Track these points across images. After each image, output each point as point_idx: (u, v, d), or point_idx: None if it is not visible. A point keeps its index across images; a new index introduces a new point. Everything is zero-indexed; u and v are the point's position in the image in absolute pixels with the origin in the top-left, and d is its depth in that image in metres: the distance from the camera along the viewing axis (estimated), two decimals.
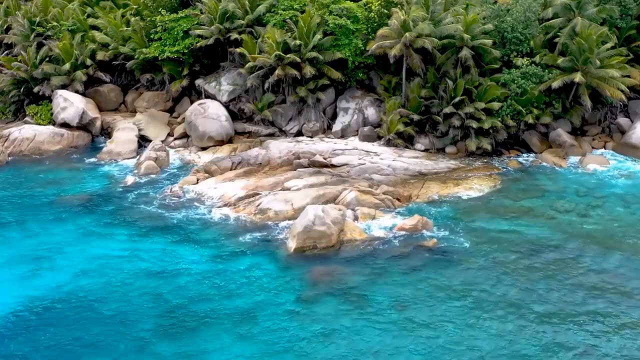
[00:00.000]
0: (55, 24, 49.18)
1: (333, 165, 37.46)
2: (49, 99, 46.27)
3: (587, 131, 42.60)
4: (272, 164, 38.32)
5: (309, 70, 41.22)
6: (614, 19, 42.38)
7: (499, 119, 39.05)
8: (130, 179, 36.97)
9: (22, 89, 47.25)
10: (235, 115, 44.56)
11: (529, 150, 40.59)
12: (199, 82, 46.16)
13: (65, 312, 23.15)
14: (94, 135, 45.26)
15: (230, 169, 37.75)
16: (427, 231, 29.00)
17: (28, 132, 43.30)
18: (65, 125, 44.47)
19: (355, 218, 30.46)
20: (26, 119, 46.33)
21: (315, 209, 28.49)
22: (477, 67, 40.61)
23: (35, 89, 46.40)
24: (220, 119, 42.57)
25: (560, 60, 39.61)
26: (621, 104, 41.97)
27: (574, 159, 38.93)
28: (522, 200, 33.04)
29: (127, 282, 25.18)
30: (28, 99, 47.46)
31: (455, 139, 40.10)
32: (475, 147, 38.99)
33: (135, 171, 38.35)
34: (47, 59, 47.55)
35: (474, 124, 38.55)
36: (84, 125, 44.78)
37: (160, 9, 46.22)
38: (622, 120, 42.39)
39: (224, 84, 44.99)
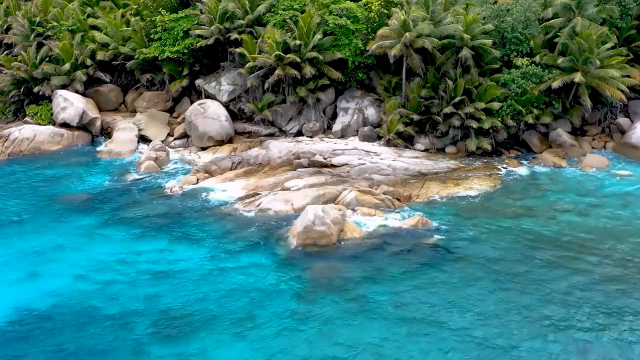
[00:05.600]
0: (55, 24, 49.23)
1: (333, 165, 37.47)
2: (49, 99, 46.31)
3: (587, 131, 42.60)
4: (272, 164, 38.33)
5: (309, 70, 41.24)
6: (614, 19, 42.37)
7: (499, 119, 39.06)
8: (130, 179, 37.01)
9: (22, 89, 47.28)
10: (235, 115, 44.58)
11: (529, 150, 40.58)
12: (199, 82, 46.18)
13: (64, 313, 23.06)
14: (94, 135, 45.29)
15: (230, 169, 37.77)
16: (427, 231, 28.99)
17: (28, 132, 43.32)
18: (65, 125, 44.51)
19: (355, 218, 30.45)
20: (26, 119, 46.36)
21: (315, 209, 28.47)
22: (477, 67, 40.61)
23: (35, 89, 46.43)
24: (220, 119, 42.58)
25: (560, 60, 39.61)
26: (621, 104, 41.96)
27: (574, 159, 38.93)
28: (522, 200, 33.02)
29: (126, 283, 25.14)
30: (28, 99, 47.50)
31: (455, 139, 40.11)
32: (475, 147, 38.99)
33: (135, 171, 38.36)
34: (47, 59, 47.60)
35: (474, 124, 38.55)
36: (84, 125, 44.81)
37: (160, 9, 46.26)
38: (622, 120, 42.38)
39: (224, 84, 45.00)
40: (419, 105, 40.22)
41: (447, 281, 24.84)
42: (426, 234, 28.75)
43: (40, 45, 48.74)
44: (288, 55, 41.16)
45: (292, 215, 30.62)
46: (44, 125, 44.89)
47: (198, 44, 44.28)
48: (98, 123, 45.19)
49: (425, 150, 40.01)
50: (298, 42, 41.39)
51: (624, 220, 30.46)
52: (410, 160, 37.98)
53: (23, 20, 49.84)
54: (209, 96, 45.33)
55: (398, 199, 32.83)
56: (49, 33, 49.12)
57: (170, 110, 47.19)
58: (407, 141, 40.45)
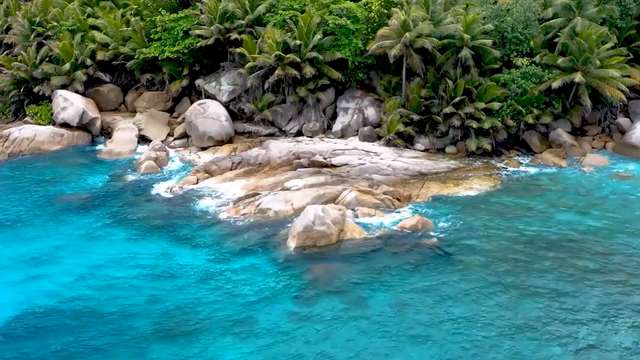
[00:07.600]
0: (55, 24, 49.24)
1: (333, 165, 37.47)
2: (49, 99, 46.31)
3: (587, 131, 42.62)
4: (272, 164, 38.33)
5: (309, 70, 41.24)
6: (614, 19, 42.38)
7: (499, 119, 39.06)
8: (129, 179, 36.99)
9: (22, 89, 47.29)
10: (235, 115, 44.58)
11: (529, 150, 40.58)
12: (199, 82, 46.18)
13: (64, 314, 23.06)
14: (94, 135, 45.28)
15: (230, 169, 37.77)
16: (427, 231, 28.99)
17: (28, 132, 43.29)
18: (65, 125, 44.51)
19: (355, 218, 30.45)
20: (26, 119, 46.37)
21: (315, 209, 28.47)
22: (477, 67, 40.62)
23: (35, 89, 46.43)
24: (220, 119, 42.58)
25: (560, 60, 39.62)
26: (621, 104, 41.98)
27: (574, 159, 38.93)
28: (522, 199, 33.03)
29: (126, 284, 25.14)
30: (28, 99, 47.50)
31: (455, 139, 40.11)
32: (475, 147, 39.00)
33: (135, 171, 38.36)
34: (47, 59, 47.59)
35: (474, 124, 38.56)
36: (84, 125, 44.81)
37: (160, 9, 46.26)
38: (622, 120, 42.40)
39: (224, 84, 45.00)
40: (419, 105, 40.22)
41: (447, 282, 24.82)
42: (426, 234, 28.74)
43: (40, 45, 48.74)
44: (288, 55, 41.16)
45: (292, 215, 30.61)
46: (44, 125, 44.87)
47: (198, 44, 44.29)
48: (98, 123, 45.19)
49: (425, 150, 40.01)
50: (298, 42, 41.39)
51: (624, 219, 30.45)
52: (410, 160, 37.98)
53: (23, 20, 49.85)
54: (209, 96, 45.33)
55: (398, 199, 32.83)
56: (49, 33, 49.13)
57: (170, 110, 47.20)
58: (407, 141, 40.45)
